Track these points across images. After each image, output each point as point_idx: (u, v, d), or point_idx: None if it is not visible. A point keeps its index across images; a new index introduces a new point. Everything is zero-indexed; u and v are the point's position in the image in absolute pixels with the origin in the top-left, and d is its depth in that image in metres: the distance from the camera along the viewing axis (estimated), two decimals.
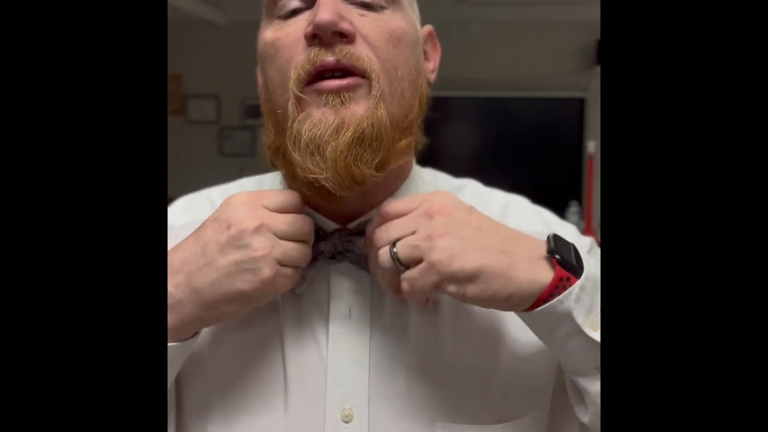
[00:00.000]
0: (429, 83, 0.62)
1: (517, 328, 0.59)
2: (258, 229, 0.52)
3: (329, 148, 0.52)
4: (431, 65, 0.65)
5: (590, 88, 4.46)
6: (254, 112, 4.81)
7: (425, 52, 0.64)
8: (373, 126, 0.53)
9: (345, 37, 0.54)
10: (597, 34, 3.90)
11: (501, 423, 0.58)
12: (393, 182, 0.62)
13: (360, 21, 0.55)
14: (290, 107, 0.54)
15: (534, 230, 0.59)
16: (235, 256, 0.51)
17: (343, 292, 0.59)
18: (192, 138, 4.81)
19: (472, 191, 0.69)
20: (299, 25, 0.56)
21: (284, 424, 0.57)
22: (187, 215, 0.68)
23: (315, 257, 0.58)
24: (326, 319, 0.58)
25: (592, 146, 3.50)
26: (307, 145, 0.52)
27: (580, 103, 4.59)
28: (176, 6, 3.70)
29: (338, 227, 0.59)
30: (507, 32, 4.35)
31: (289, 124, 0.54)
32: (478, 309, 0.59)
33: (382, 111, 0.54)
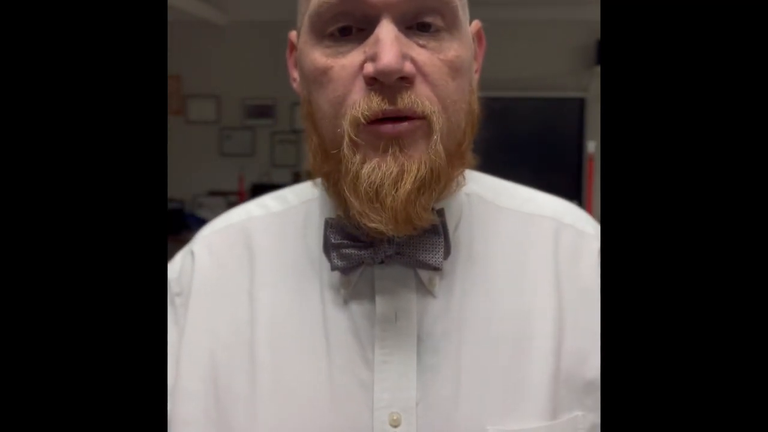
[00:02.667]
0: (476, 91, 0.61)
1: (547, 328, 0.59)
2: None
3: (389, 199, 0.51)
4: (476, 65, 0.63)
5: (590, 88, 4.47)
6: (254, 112, 4.83)
7: (474, 53, 0.61)
8: (432, 170, 0.52)
9: (407, 80, 0.52)
10: (597, 34, 3.90)
11: (552, 420, 0.57)
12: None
13: (420, 55, 0.53)
14: (345, 148, 0.52)
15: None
16: None
17: (388, 296, 0.58)
18: (192, 138, 4.81)
19: (571, 236, 0.64)
20: (355, 57, 0.53)
21: (333, 425, 0.57)
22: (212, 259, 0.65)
23: (360, 262, 0.57)
24: (372, 323, 0.58)
25: (592, 146, 3.50)
26: (366, 192, 0.51)
27: (580, 103, 4.60)
28: (176, 6, 3.70)
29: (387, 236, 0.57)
30: (507, 32, 4.35)
31: (344, 164, 0.53)
32: (507, 305, 0.59)
33: (439, 150, 0.53)
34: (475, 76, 0.61)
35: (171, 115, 4.69)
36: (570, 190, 4.46)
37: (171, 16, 3.54)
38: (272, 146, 4.84)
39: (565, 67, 4.48)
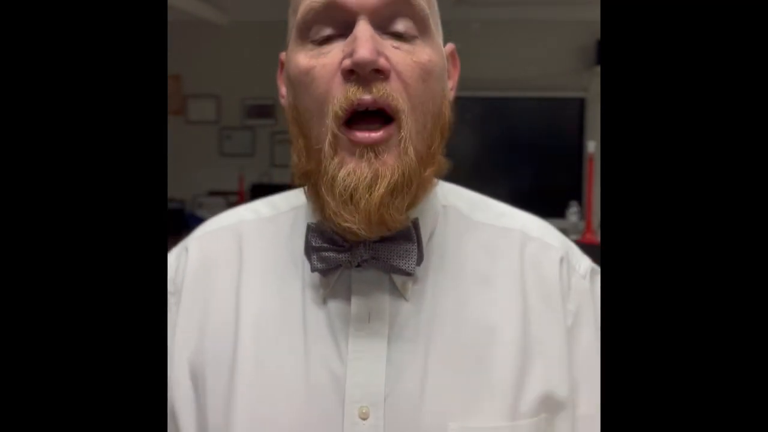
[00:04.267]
0: (450, 103, 0.64)
1: (512, 333, 0.62)
2: None
3: (363, 202, 0.55)
4: (451, 83, 0.66)
5: (590, 88, 4.46)
6: (254, 112, 4.83)
7: (447, 71, 0.65)
8: (403, 174, 0.56)
9: (381, 73, 0.56)
10: (597, 34, 3.90)
11: (515, 421, 0.60)
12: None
13: (394, 55, 0.57)
14: (326, 146, 0.56)
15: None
16: None
17: (363, 298, 0.62)
18: (192, 138, 4.81)
19: (536, 246, 0.68)
20: (335, 56, 0.57)
21: (306, 417, 0.60)
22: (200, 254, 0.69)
23: (339, 265, 0.61)
24: (347, 322, 0.61)
25: (592, 146, 3.50)
26: (341, 193, 0.55)
27: (580, 103, 4.60)
28: (176, 6, 3.70)
29: (363, 240, 0.60)
30: (507, 32, 4.35)
31: (324, 164, 0.57)
32: (474, 310, 0.63)
33: (410, 152, 0.56)
34: (450, 93, 0.65)
35: (171, 115, 4.68)
36: (570, 190, 4.46)
37: (171, 16, 3.53)
38: (272, 146, 4.84)
39: (565, 67, 4.48)
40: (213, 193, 4.78)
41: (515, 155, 4.57)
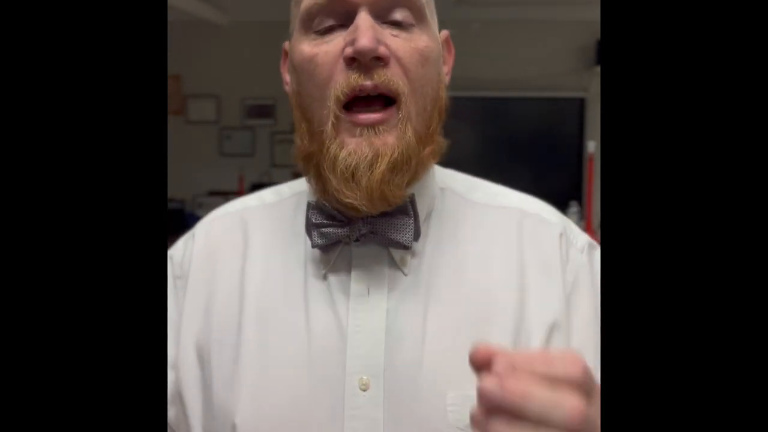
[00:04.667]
0: (445, 87, 0.67)
1: (508, 305, 0.63)
2: None
3: (364, 179, 0.58)
4: (446, 68, 0.69)
5: (590, 88, 4.47)
6: (254, 112, 4.84)
7: (443, 57, 0.68)
8: (403, 152, 0.59)
9: (381, 60, 0.59)
10: (597, 34, 3.90)
11: None
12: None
13: (393, 42, 0.60)
14: (329, 127, 0.59)
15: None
16: None
17: (362, 272, 0.64)
18: (192, 138, 4.81)
19: (532, 220, 0.69)
20: (337, 44, 0.60)
21: (308, 388, 0.61)
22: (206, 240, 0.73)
23: (338, 240, 0.63)
24: (347, 295, 0.64)
25: (592, 146, 3.51)
26: (342, 172, 0.58)
27: (580, 103, 4.60)
28: (176, 6, 3.70)
29: (362, 216, 0.63)
30: (507, 32, 4.36)
31: (326, 145, 0.60)
32: (472, 281, 0.64)
33: (409, 132, 0.59)
34: (446, 78, 0.68)
35: (171, 115, 4.68)
36: (570, 190, 4.46)
37: (171, 16, 3.54)
38: (272, 146, 4.84)
39: (565, 67, 4.48)
40: (213, 193, 4.78)
41: (515, 155, 4.57)
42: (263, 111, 4.81)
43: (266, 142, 4.84)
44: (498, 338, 0.62)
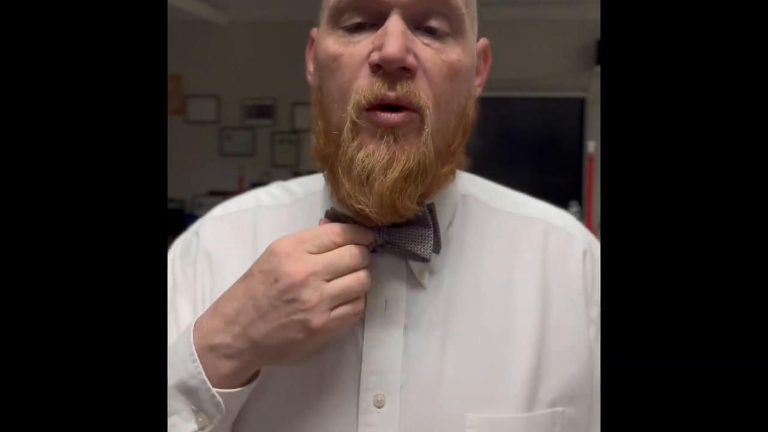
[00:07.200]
0: (476, 99, 0.64)
1: (530, 326, 0.62)
2: (304, 281, 0.54)
3: (377, 183, 0.55)
4: (479, 80, 0.66)
5: (590, 88, 4.46)
6: (254, 112, 4.83)
7: (476, 68, 0.65)
8: (419, 163, 0.56)
9: (408, 71, 0.56)
10: (597, 34, 3.90)
11: (531, 412, 0.60)
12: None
13: (423, 52, 0.57)
14: (346, 131, 0.56)
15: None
16: (285, 309, 0.54)
17: (379, 285, 0.61)
18: (192, 138, 4.81)
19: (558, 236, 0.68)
20: (364, 46, 0.57)
21: (320, 403, 0.60)
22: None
23: None
24: (364, 309, 0.61)
25: (592, 146, 3.50)
26: (358, 174, 0.55)
27: (580, 103, 4.59)
28: (176, 6, 3.71)
29: (378, 225, 0.60)
30: (507, 32, 4.35)
31: (342, 147, 0.57)
32: (494, 301, 0.62)
33: (428, 146, 0.56)
34: (477, 90, 0.65)
35: (171, 115, 4.68)
36: (570, 190, 4.46)
37: (171, 16, 3.54)
38: (272, 146, 4.84)
39: (565, 67, 4.48)
40: (213, 193, 4.78)
41: (515, 155, 4.57)
42: (263, 111, 4.81)
43: (266, 142, 4.84)
44: (518, 361, 0.61)
